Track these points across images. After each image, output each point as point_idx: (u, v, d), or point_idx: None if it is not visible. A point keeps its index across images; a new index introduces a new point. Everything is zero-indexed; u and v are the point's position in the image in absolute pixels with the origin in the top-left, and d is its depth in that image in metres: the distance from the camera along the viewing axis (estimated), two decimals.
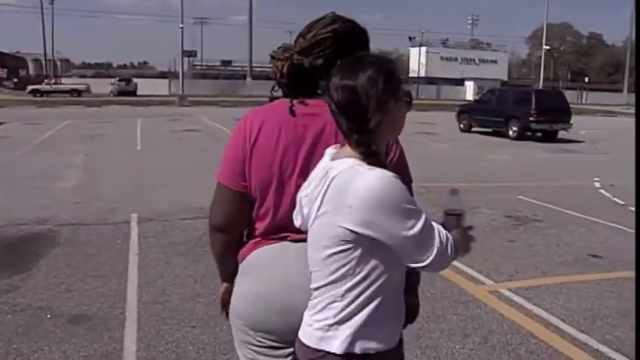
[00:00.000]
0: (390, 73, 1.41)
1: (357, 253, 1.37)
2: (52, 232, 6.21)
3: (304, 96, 1.65)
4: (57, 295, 4.38)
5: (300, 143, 1.63)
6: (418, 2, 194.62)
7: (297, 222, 1.56)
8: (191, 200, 7.55)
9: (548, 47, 63.70)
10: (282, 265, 1.64)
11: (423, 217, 1.37)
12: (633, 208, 7.90)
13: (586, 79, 69.93)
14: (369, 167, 1.36)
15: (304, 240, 1.56)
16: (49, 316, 4.00)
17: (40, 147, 14.42)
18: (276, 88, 1.71)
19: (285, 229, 1.65)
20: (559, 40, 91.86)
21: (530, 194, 8.75)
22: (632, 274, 4.85)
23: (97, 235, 6.12)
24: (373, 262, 1.38)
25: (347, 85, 1.39)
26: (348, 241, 1.36)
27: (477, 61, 73.33)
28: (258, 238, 1.71)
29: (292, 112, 1.64)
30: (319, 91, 1.63)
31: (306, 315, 1.48)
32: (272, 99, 1.71)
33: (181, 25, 42.02)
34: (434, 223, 1.40)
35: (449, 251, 1.40)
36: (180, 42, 42.37)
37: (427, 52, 68.73)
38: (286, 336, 1.62)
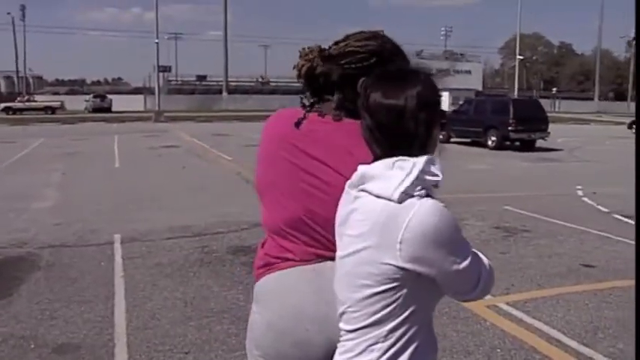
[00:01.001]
0: (438, 94, 1.30)
1: (404, 291, 1.23)
2: (32, 255, 5.99)
3: (323, 102, 1.59)
4: (40, 323, 4.18)
5: (297, 159, 1.55)
6: (391, 15, 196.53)
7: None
8: (175, 219, 7.37)
9: (521, 57, 64.70)
10: (294, 294, 1.54)
11: (470, 246, 1.27)
12: (618, 216, 7.97)
13: (554, 90, 70.81)
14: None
15: (320, 262, 1.49)
16: (32, 346, 3.81)
17: (15, 166, 14.07)
18: (306, 94, 1.63)
19: (285, 249, 1.57)
20: (531, 50, 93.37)
21: (516, 204, 8.75)
22: (625, 283, 4.86)
23: (80, 257, 5.91)
24: (418, 298, 1.26)
25: (393, 106, 1.24)
26: (394, 279, 1.22)
27: (452, 72, 74.02)
28: (268, 260, 1.61)
29: (297, 125, 1.57)
30: (333, 105, 1.56)
31: (340, 358, 1.34)
32: (303, 105, 1.63)
33: (157, 40, 41.78)
34: (474, 249, 1.30)
35: (493, 279, 1.30)
36: (156, 57, 42.12)
37: None
38: None
